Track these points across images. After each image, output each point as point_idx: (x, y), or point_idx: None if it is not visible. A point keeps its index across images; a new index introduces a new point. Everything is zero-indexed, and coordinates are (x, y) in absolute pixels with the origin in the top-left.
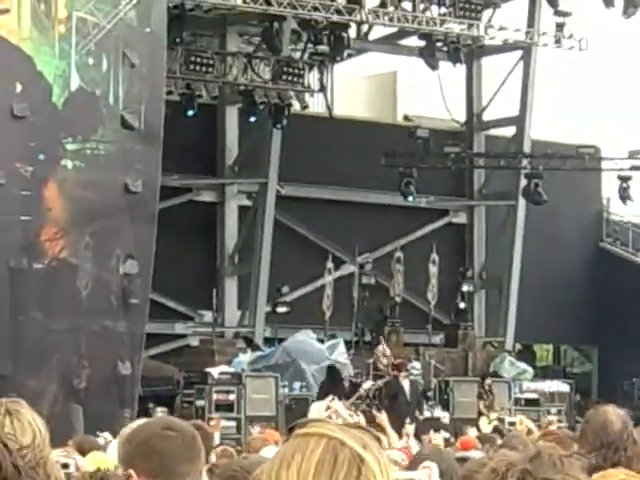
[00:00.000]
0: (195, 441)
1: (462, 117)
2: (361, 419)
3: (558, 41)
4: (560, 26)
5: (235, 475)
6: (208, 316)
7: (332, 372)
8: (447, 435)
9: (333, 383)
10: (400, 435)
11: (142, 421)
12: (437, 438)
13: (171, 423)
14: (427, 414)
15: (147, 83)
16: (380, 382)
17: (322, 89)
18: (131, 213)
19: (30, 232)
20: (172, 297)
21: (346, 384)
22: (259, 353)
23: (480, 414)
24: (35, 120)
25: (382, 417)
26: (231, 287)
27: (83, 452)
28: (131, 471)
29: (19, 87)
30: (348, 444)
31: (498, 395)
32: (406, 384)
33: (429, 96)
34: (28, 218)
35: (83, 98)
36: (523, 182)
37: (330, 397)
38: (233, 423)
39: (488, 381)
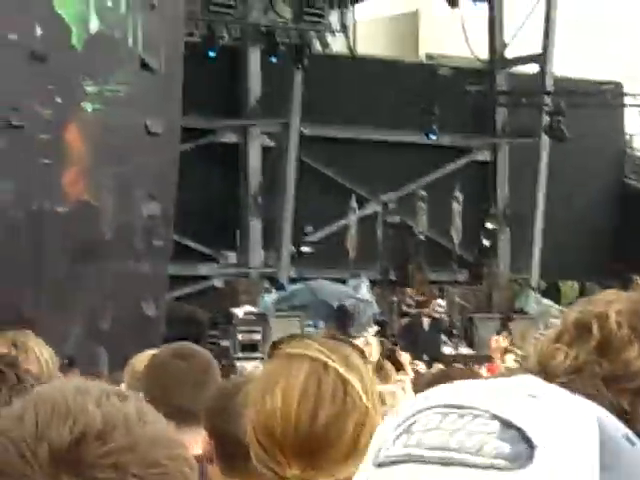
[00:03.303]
0: (206, 372)
1: (485, 55)
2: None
3: None
4: None
5: (227, 393)
6: (232, 257)
7: (341, 311)
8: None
9: (341, 322)
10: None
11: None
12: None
13: (185, 351)
14: (451, 351)
15: (166, 25)
16: (404, 320)
17: (343, 29)
18: (152, 154)
19: (51, 176)
20: (196, 239)
21: (361, 322)
22: (284, 293)
23: (506, 350)
24: (54, 63)
25: (404, 356)
26: (255, 228)
27: None
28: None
29: (39, 30)
30: (331, 366)
31: (524, 332)
32: (427, 322)
33: (451, 35)
34: (48, 161)
35: (102, 40)
36: (546, 119)
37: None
38: (258, 363)
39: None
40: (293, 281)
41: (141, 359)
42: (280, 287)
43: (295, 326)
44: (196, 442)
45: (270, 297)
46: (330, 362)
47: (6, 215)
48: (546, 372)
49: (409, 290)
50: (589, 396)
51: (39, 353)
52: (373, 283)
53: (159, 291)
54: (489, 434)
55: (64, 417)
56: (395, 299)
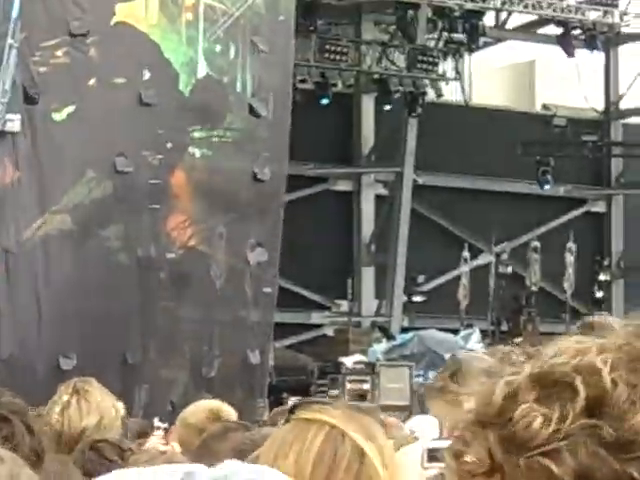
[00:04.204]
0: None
1: (600, 105)
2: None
3: None
4: None
5: (244, 449)
6: (344, 305)
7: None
8: None
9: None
10: None
11: None
12: None
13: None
14: None
15: (276, 71)
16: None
17: (457, 77)
18: (259, 201)
19: (158, 221)
20: (309, 287)
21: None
22: (394, 342)
23: None
24: (162, 108)
25: None
26: (368, 276)
27: None
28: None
29: (147, 74)
30: (350, 435)
31: None
32: None
33: (567, 85)
34: (156, 207)
35: (210, 86)
36: None
37: None
38: None
39: None
40: (404, 330)
41: (192, 411)
42: (391, 337)
43: (404, 375)
44: None
45: (380, 346)
46: (349, 432)
47: (113, 260)
48: (518, 442)
49: (519, 341)
50: (587, 466)
51: (101, 400)
52: (484, 334)
53: (264, 339)
54: None
55: None
56: (506, 350)
